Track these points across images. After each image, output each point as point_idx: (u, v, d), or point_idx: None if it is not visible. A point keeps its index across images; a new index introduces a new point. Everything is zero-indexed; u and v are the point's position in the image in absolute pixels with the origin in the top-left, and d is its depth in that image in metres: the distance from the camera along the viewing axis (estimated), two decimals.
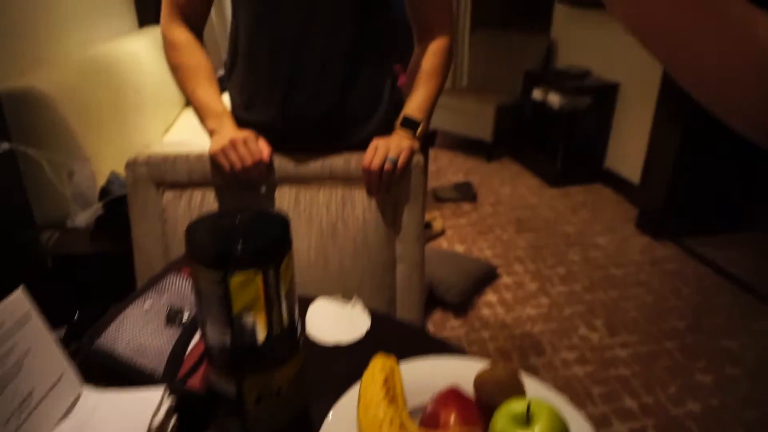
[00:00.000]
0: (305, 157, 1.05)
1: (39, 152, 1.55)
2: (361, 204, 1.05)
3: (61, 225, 1.76)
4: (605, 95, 3.31)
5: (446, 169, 3.77)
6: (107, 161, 1.98)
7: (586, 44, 3.58)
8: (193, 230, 0.52)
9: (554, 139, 3.44)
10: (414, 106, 1.07)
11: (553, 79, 3.43)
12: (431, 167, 3.77)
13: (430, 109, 1.09)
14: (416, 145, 1.05)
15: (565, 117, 3.31)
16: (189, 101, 1.05)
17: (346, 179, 1.05)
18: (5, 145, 1.46)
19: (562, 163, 3.43)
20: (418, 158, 1.04)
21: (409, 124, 1.06)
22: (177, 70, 1.04)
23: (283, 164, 1.05)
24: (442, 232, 2.87)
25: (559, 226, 2.98)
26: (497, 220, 3.04)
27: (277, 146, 1.04)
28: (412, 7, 1.08)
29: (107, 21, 2.80)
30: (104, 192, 1.50)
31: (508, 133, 3.82)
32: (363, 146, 1.04)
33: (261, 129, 1.04)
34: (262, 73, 1.02)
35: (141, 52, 2.70)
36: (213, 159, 1.00)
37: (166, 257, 1.07)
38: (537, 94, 3.54)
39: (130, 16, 3.20)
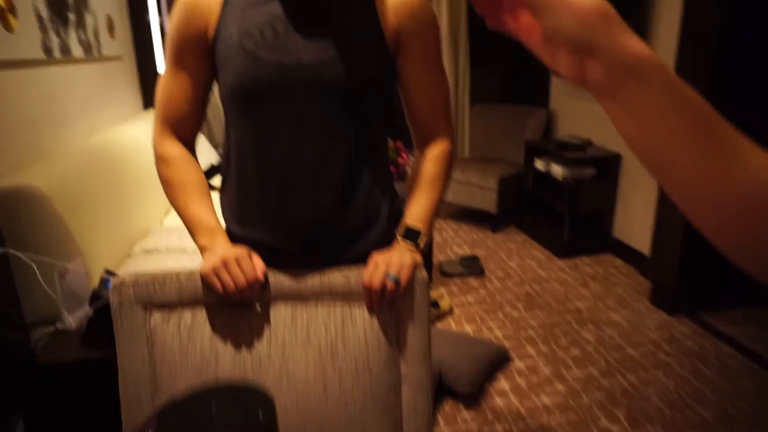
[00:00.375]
0: (302, 273, 0.99)
1: (30, 255, 1.50)
2: (361, 322, 0.98)
3: (52, 322, 1.69)
4: (608, 165, 3.29)
5: (451, 241, 3.71)
6: (104, 254, 1.94)
7: (584, 115, 3.61)
8: (161, 425, 0.45)
9: (559, 210, 3.40)
10: (415, 215, 1.02)
11: (555, 149, 3.43)
12: (436, 238, 3.72)
13: (432, 217, 1.04)
14: (419, 258, 0.99)
15: (569, 187, 3.28)
16: (180, 216, 1.00)
17: (345, 296, 0.99)
18: None
19: (569, 233, 3.38)
20: (422, 274, 0.98)
21: (411, 234, 1.00)
22: (168, 185, 1.00)
23: (278, 281, 0.99)
24: (449, 311, 2.78)
25: (570, 302, 2.88)
26: (506, 296, 2.95)
27: (271, 262, 0.99)
28: (409, 111, 1.05)
29: (113, 106, 2.85)
30: (95, 295, 1.44)
31: (513, 203, 3.79)
32: (363, 259, 0.99)
33: (254, 245, 0.99)
34: (252, 190, 0.98)
35: (143, 134, 2.72)
36: (204, 279, 0.95)
37: (153, 383, 0.99)
38: (540, 164, 3.53)
39: (135, 98, 3.27)
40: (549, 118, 3.95)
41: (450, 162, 1.06)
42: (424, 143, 1.06)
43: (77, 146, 2.18)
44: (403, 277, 0.94)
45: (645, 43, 0.40)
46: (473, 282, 3.10)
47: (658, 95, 0.38)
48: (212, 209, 1.00)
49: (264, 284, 0.97)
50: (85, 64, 2.52)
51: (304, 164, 0.94)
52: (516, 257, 3.44)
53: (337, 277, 0.98)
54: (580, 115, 3.67)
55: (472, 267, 3.17)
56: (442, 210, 4.15)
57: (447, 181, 1.06)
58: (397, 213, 1.06)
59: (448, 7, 3.95)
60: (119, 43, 3.00)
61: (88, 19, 2.58)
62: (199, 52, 0.95)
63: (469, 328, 2.64)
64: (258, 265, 0.95)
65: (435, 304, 2.72)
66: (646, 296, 2.89)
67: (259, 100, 0.91)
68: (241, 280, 0.92)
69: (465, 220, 4.06)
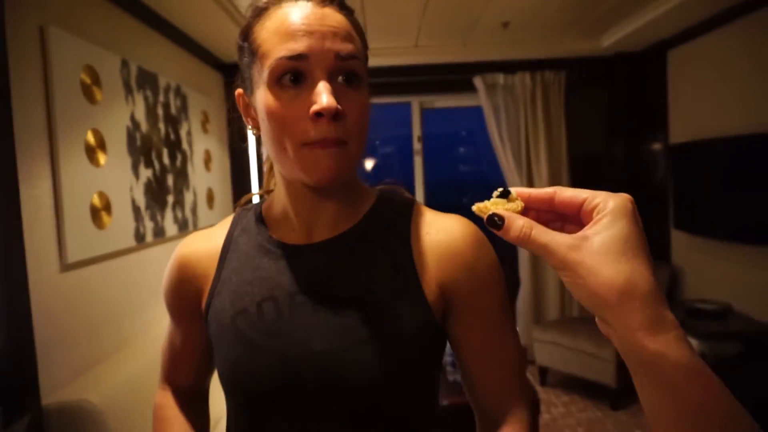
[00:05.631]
0: None
1: None
2: None
3: None
4: (760, 341, 2.69)
5: (561, 420, 3.16)
6: None
7: (720, 275, 3.08)
8: None
9: None
10: None
11: (685, 317, 2.90)
12: (544, 416, 3.19)
13: None
14: None
15: (709, 367, 2.69)
16: None
17: None
18: None
19: None
20: None
21: None
22: None
23: None
24: None
25: None
26: None
27: None
28: (467, 386, 0.77)
29: None
30: None
31: None
32: None
33: None
34: None
35: None
36: None
37: None
38: None
39: None
40: (673, 275, 3.44)
41: None
42: (489, 428, 0.75)
43: (152, 335, 2.12)
44: None
45: (681, 343, 0.37)
46: None
47: (675, 403, 0.37)
48: None
49: None
50: (179, 240, 2.59)
51: None
52: None
53: None
54: (713, 275, 3.14)
55: None
56: (551, 378, 3.63)
57: None
58: None
59: (546, 149, 3.77)
60: (217, 212, 3.12)
61: (188, 197, 2.70)
62: (195, 315, 0.80)
63: None
64: None
65: None
66: None
67: (257, 398, 0.69)
68: None
69: (578, 391, 3.49)
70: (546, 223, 0.43)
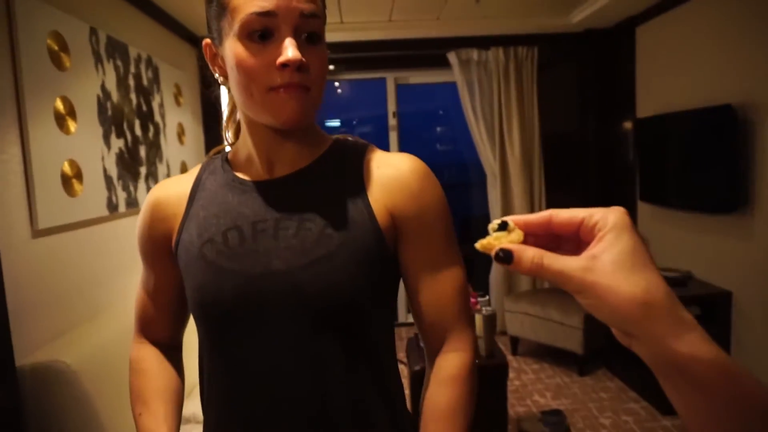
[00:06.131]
0: None
1: None
2: None
3: None
4: (716, 305, 2.82)
5: (531, 386, 3.28)
6: None
7: (681, 245, 3.20)
8: None
9: None
10: None
11: None
12: (514, 383, 3.31)
13: None
14: None
15: None
16: (136, 427, 0.85)
17: None
18: None
19: None
20: None
21: None
22: (130, 393, 0.89)
23: None
24: None
25: None
26: None
27: None
28: (414, 312, 0.84)
29: None
30: None
31: (603, 342, 3.34)
32: None
33: None
34: (219, 426, 0.80)
35: None
36: None
37: None
38: None
39: None
40: None
41: (471, 382, 0.80)
42: (435, 354, 0.82)
43: (125, 305, 2.14)
44: None
45: (706, 340, 0.37)
46: None
47: (711, 401, 0.37)
48: (168, 419, 0.84)
49: None
50: None
51: (277, 405, 0.74)
52: (609, 411, 2.94)
53: None
54: (675, 244, 3.27)
55: (556, 425, 2.71)
56: (522, 348, 3.74)
57: (469, 409, 0.79)
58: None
59: (519, 124, 3.84)
60: None
61: (161, 169, 2.70)
62: (167, 256, 0.85)
63: None
64: None
65: None
66: None
67: (224, 319, 0.75)
68: None
69: (547, 359, 3.62)
70: (541, 246, 0.42)
